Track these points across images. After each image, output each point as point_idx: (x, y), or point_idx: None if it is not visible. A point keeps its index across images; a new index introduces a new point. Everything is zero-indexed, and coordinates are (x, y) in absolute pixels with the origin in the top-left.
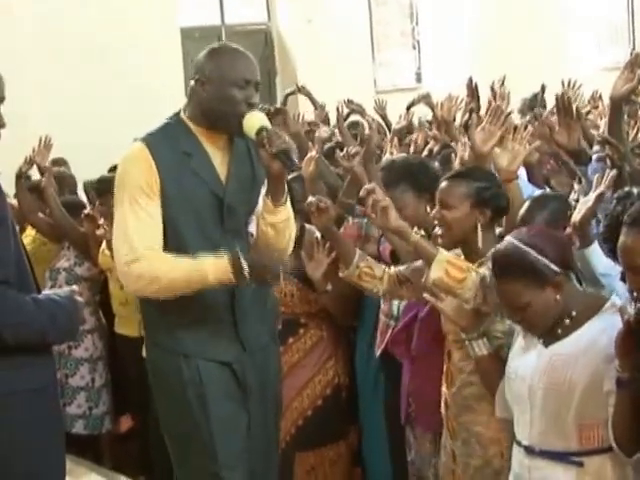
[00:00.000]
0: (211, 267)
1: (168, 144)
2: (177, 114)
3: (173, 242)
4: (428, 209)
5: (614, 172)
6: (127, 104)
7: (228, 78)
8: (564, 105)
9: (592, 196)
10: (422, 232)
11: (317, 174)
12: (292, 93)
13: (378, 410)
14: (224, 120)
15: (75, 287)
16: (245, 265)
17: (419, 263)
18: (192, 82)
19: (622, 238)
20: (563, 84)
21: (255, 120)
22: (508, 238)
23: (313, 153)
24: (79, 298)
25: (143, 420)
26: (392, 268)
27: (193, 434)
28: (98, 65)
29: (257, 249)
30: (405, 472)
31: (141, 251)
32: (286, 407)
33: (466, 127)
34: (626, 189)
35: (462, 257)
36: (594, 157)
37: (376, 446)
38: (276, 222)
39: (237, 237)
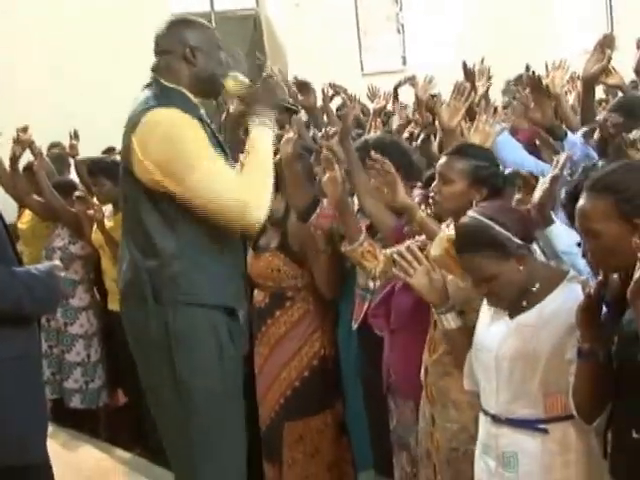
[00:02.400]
0: (257, 135)
1: (188, 111)
2: (167, 87)
3: None
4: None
5: (566, 155)
6: (120, 86)
7: (214, 42)
8: (535, 84)
9: (548, 178)
10: (428, 210)
11: (295, 156)
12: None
13: (359, 381)
14: (215, 83)
15: (57, 262)
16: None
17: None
18: (169, 57)
19: (580, 201)
20: (547, 66)
21: (235, 79)
22: (470, 213)
23: (291, 134)
24: (59, 273)
25: (137, 393)
26: (387, 249)
27: (214, 394)
28: (91, 48)
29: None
30: (386, 439)
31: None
32: (274, 378)
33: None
34: (594, 161)
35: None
36: (580, 133)
37: (358, 415)
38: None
39: None
